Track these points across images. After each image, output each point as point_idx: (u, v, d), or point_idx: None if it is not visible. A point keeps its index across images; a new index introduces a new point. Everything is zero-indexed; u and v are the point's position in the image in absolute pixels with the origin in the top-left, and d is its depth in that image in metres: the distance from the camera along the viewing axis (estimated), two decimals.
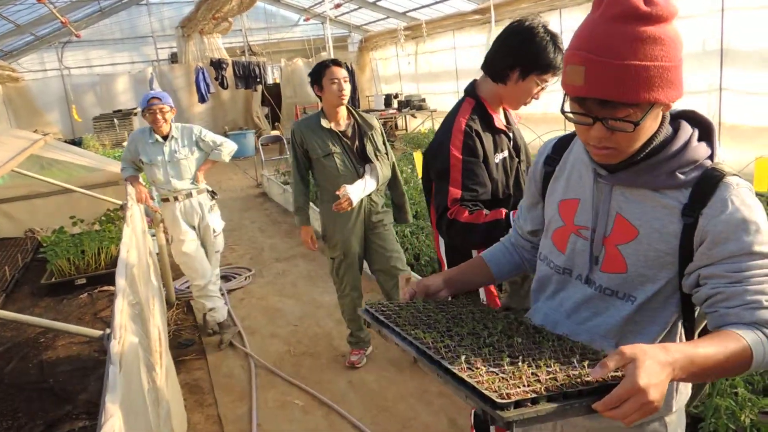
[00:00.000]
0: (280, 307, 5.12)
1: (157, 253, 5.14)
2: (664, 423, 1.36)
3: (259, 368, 4.05)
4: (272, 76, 18.60)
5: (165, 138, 4.25)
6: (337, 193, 3.38)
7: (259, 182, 10.85)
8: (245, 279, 5.86)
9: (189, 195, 4.36)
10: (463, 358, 1.01)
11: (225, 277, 5.78)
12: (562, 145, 1.45)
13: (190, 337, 4.61)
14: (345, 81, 3.44)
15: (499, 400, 0.89)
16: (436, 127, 12.57)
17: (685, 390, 1.41)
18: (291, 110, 15.91)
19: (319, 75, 3.48)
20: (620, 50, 1.05)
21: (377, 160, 3.54)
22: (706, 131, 1.22)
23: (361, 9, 16.04)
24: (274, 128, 15.79)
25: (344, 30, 18.53)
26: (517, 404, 0.90)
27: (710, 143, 1.20)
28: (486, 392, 0.91)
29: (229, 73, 15.86)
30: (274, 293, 5.48)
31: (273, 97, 16.60)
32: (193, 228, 4.44)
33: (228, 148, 4.42)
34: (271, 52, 17.27)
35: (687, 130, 1.21)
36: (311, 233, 3.75)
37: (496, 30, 11.09)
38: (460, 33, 12.72)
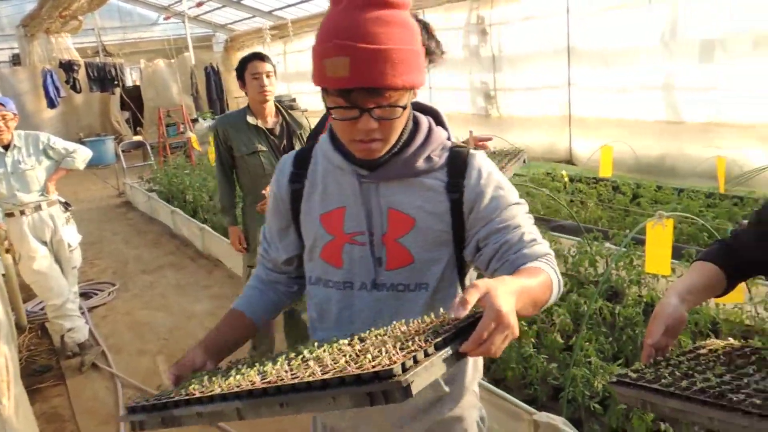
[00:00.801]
0: (149, 321, 4.83)
1: (3, 274, 4.64)
2: (462, 406, 1.38)
3: (127, 388, 3.78)
4: (131, 78, 17.54)
5: (6, 148, 3.89)
6: (264, 192, 3.18)
7: (121, 191, 10.19)
8: (108, 294, 5.46)
9: (38, 208, 4.01)
10: (306, 373, 0.91)
11: (85, 294, 5.35)
12: (303, 159, 1.37)
13: (47, 363, 4.22)
14: (268, 76, 3.28)
15: (386, 368, 0.81)
16: (313, 123, 12.57)
17: (479, 370, 1.44)
18: (154, 114, 15.06)
19: (241, 70, 3.31)
20: (381, 36, 1.06)
21: None
22: (436, 117, 1.34)
23: (225, 8, 15.56)
24: (136, 133, 14.91)
25: (208, 29, 17.89)
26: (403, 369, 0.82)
27: (444, 126, 1.33)
28: (364, 372, 0.83)
29: (81, 75, 14.72)
30: (142, 307, 5.16)
31: (133, 100, 15.67)
32: (45, 243, 4.08)
33: (82, 155, 4.12)
34: (128, 53, 16.27)
35: (422, 118, 1.30)
36: (239, 234, 3.51)
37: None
38: None
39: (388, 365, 0.82)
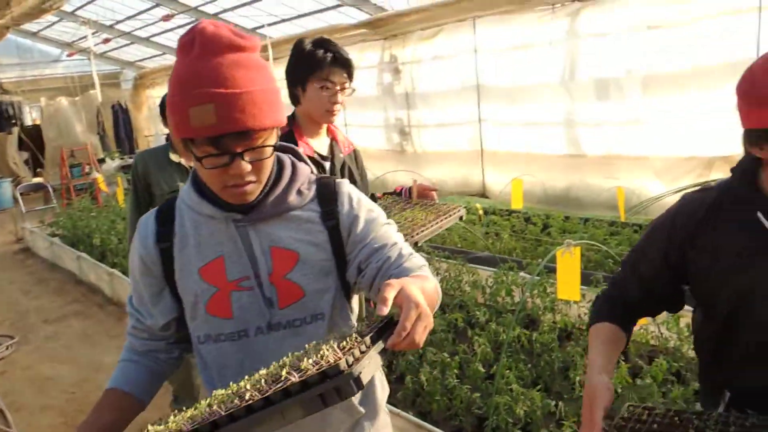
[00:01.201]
0: (52, 375, 4.49)
1: None
2: (377, 427, 1.40)
3: None
4: (31, 117, 16.63)
5: None
6: None
7: (19, 237, 9.54)
8: (6, 348, 5.05)
9: None
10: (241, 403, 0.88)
11: None
12: (166, 215, 1.31)
13: None
14: None
15: (332, 365, 0.83)
16: None
17: (386, 388, 1.48)
18: (56, 154, 14.30)
19: (163, 107, 3.15)
20: (242, 80, 1.08)
21: None
22: (295, 153, 1.36)
23: (133, 44, 15.17)
24: (36, 175, 14.08)
25: (115, 66, 17.33)
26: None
27: (304, 161, 1.37)
28: (309, 375, 0.84)
29: None
30: (44, 360, 4.80)
31: (33, 140, 14.81)
32: None
33: None
34: (27, 90, 15.45)
35: (283, 156, 1.32)
36: None
37: (276, 67, 11.26)
38: None
39: (332, 363, 0.84)
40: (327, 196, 1.32)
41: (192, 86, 1.07)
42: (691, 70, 6.01)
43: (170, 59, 14.16)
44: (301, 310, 1.27)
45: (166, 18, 10.39)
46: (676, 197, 5.76)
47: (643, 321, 2.98)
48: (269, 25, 10.63)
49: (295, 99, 2.21)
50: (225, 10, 10.66)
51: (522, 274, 4.13)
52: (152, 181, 3.13)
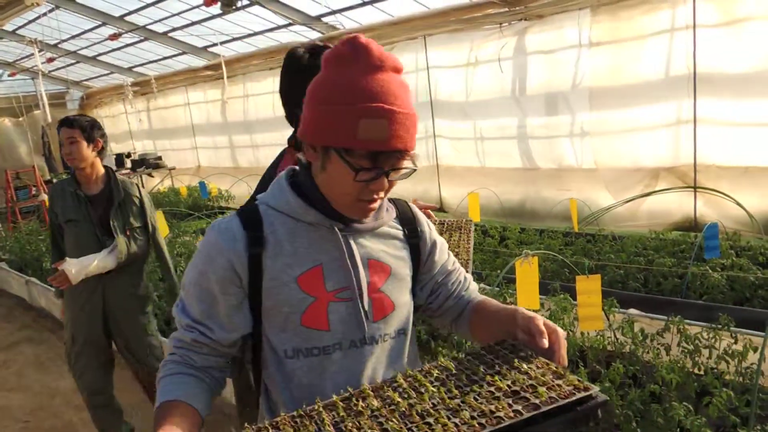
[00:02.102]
0: (5, 405, 4.32)
1: None
2: None
3: None
4: None
5: None
6: (55, 266, 2.99)
7: None
8: None
9: None
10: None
11: None
12: (254, 220, 1.22)
13: None
14: (72, 142, 3.01)
15: (590, 392, 0.97)
16: (177, 185, 12.18)
17: None
18: (0, 176, 13.82)
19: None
20: (407, 101, 1.12)
21: (122, 234, 3.08)
22: None
23: (79, 64, 14.80)
24: None
25: (61, 86, 16.87)
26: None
27: None
28: (567, 401, 0.96)
29: None
30: None
31: None
32: None
33: None
34: None
35: None
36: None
37: (229, 86, 11.20)
38: (193, 89, 12.53)
39: (583, 389, 0.98)
40: (406, 216, 1.37)
41: (365, 98, 1.07)
42: (634, 85, 6.29)
43: (119, 78, 13.90)
44: (389, 324, 1.28)
45: (113, 37, 10.19)
46: (627, 207, 6.00)
47: (599, 327, 3.08)
48: (220, 44, 10.58)
49: (295, 119, 1.89)
50: (174, 29, 10.55)
51: (482, 285, 4.21)
52: (57, 210, 3.14)
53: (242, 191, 10.60)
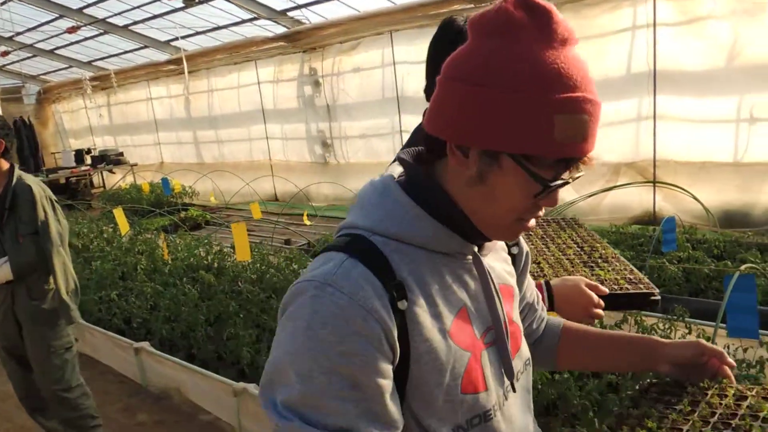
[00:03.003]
0: None
1: None
2: None
3: None
4: None
5: None
6: None
7: None
8: None
9: None
10: None
11: None
12: (379, 262, 0.85)
13: None
14: None
15: None
16: (139, 182, 11.92)
17: None
18: None
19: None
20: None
21: (14, 241, 2.81)
22: None
23: (36, 57, 14.38)
24: None
25: (16, 80, 16.36)
26: None
27: None
28: None
29: None
30: None
31: None
32: None
33: None
34: None
35: None
36: None
37: (193, 81, 11.01)
38: (156, 83, 12.29)
39: None
40: None
41: (561, 85, 0.77)
42: (597, 82, 6.27)
43: (77, 72, 13.54)
44: (520, 358, 1.02)
45: (71, 30, 9.91)
46: (589, 202, 6.04)
47: None
48: (183, 37, 10.39)
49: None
50: (136, 22, 10.31)
51: None
52: None
53: (206, 188, 10.44)
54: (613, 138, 6.40)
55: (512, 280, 1.07)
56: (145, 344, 3.95)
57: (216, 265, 5.31)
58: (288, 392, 0.79)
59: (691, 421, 1.04)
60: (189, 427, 3.46)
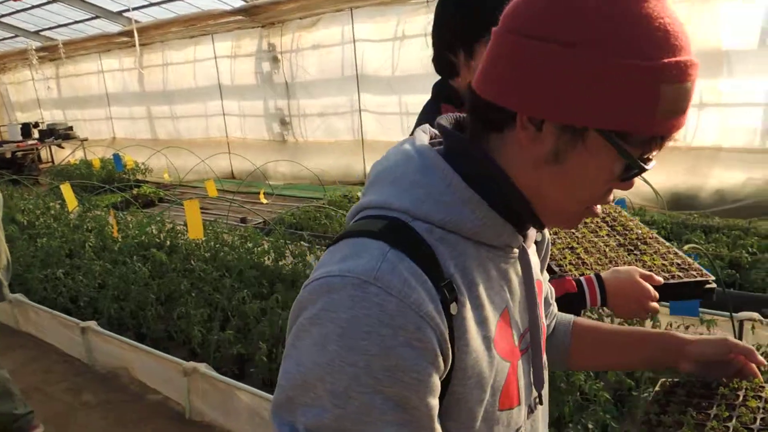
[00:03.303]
0: None
1: None
2: None
3: None
4: None
5: None
6: None
7: None
8: None
9: None
10: None
11: None
12: (429, 258, 0.69)
13: None
14: None
15: None
16: (89, 157, 11.54)
17: None
18: None
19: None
20: None
21: None
22: None
23: None
24: None
25: None
26: None
27: None
28: None
29: None
30: None
31: None
32: None
33: None
34: None
35: None
36: None
37: (147, 54, 10.67)
38: (108, 56, 11.87)
39: None
40: None
41: (668, 48, 0.63)
42: None
43: (23, 42, 12.95)
44: (545, 364, 0.90)
45: None
46: None
47: None
48: (135, 8, 10.02)
49: (448, 67, 1.36)
50: None
51: None
52: None
53: (161, 164, 10.19)
54: None
55: (540, 274, 0.94)
56: (92, 323, 3.84)
57: (168, 243, 5.21)
58: (317, 415, 0.64)
59: (731, 428, 0.97)
60: (137, 406, 3.39)
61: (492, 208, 0.72)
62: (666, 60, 0.63)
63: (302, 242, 4.68)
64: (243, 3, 8.91)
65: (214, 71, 10.10)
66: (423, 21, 7.29)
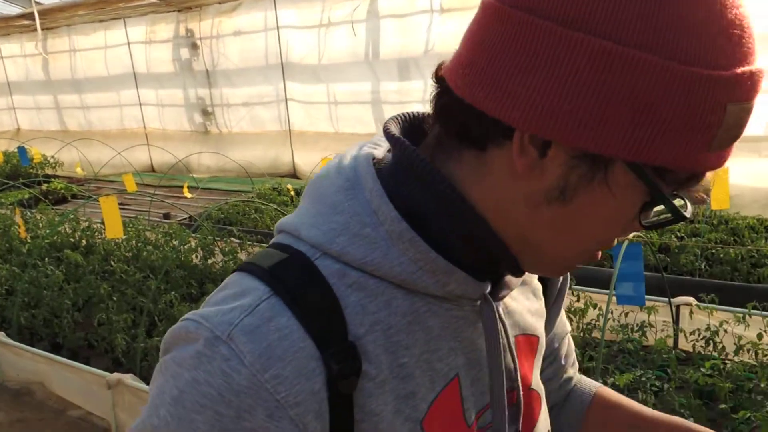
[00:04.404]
0: None
1: None
2: None
3: None
4: None
5: None
6: None
7: None
8: None
9: None
10: None
11: None
12: (326, 314, 0.52)
13: None
14: None
15: None
16: None
17: None
18: None
19: None
20: None
21: None
22: None
23: None
24: None
25: None
26: None
27: None
28: None
29: None
30: None
31: None
32: None
33: None
34: None
35: None
36: None
37: (53, 39, 9.94)
38: (7, 40, 10.97)
39: None
40: None
41: (739, 54, 0.46)
42: None
43: None
44: None
45: None
46: None
47: None
48: None
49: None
50: None
51: None
52: None
53: (72, 158, 9.53)
54: None
55: (540, 325, 0.73)
56: (0, 334, 3.50)
57: (84, 243, 4.84)
58: None
59: None
60: (55, 424, 3.10)
61: (435, 248, 0.53)
62: (739, 70, 0.45)
63: (232, 238, 4.45)
64: None
65: (127, 58, 9.52)
66: (349, 8, 7.14)
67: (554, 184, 0.50)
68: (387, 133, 0.57)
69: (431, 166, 0.54)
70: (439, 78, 0.54)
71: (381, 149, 0.59)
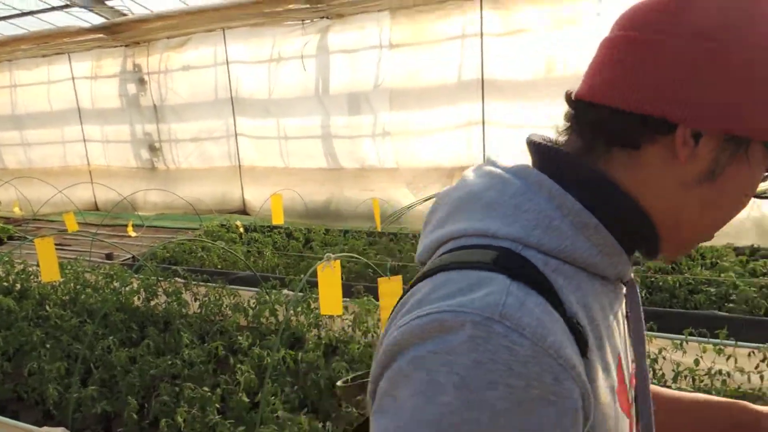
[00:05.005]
0: None
1: None
2: None
3: None
4: None
5: None
6: None
7: None
8: None
9: None
10: None
11: None
12: (552, 293, 0.58)
13: None
14: None
15: None
16: None
17: None
18: None
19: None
20: None
21: None
22: None
23: None
24: None
25: None
26: None
27: None
28: None
29: None
30: None
31: None
32: None
33: None
34: None
35: None
36: None
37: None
38: None
39: None
40: None
41: None
42: (431, 87, 6.55)
43: None
44: None
45: None
46: (426, 206, 6.17)
47: None
48: None
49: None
50: None
51: (285, 291, 4.00)
52: None
53: (9, 196, 9.16)
54: (446, 143, 6.63)
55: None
56: None
57: (18, 287, 4.60)
58: None
59: None
60: None
61: (611, 236, 0.62)
62: None
63: (177, 278, 4.30)
64: (103, 20, 8.28)
65: (72, 93, 9.29)
66: (299, 43, 7.17)
67: (707, 166, 0.61)
68: (533, 144, 0.69)
69: (591, 167, 0.64)
70: (577, 100, 0.66)
71: (507, 163, 0.67)
